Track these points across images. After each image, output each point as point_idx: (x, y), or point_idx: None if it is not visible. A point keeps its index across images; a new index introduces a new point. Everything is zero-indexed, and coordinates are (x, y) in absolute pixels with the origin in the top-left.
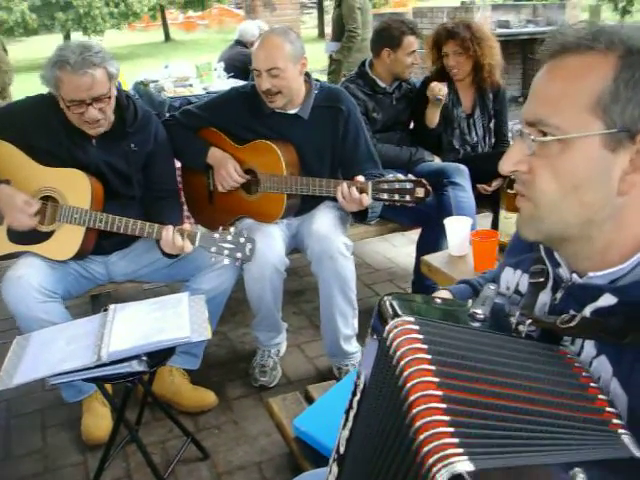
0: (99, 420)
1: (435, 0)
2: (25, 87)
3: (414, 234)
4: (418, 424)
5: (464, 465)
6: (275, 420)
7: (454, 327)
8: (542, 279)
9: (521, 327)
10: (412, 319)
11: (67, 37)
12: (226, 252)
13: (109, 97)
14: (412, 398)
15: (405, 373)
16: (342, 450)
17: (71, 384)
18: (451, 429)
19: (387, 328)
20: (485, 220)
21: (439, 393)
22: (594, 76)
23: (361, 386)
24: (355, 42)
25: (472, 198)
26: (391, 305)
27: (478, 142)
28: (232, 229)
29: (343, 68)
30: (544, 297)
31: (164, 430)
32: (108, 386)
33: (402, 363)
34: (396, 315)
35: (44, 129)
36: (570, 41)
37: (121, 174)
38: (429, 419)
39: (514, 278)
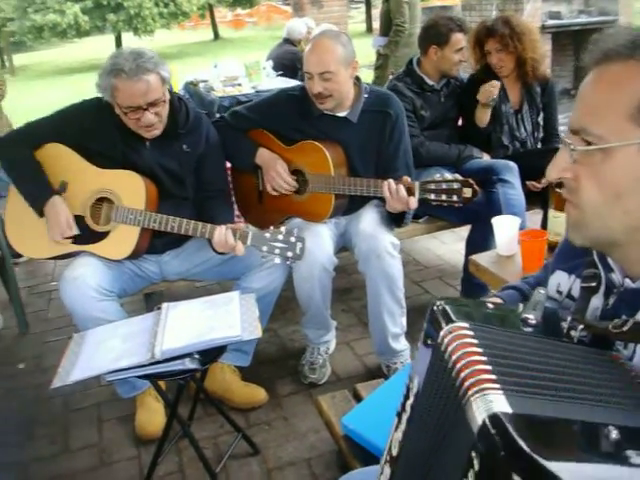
0: (152, 415)
1: None
2: (78, 88)
3: (464, 231)
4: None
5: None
6: (324, 418)
7: (508, 332)
8: (594, 283)
9: (573, 332)
10: (466, 324)
11: (118, 38)
12: (277, 251)
13: (164, 101)
14: (469, 393)
15: (462, 374)
16: (395, 452)
17: (126, 380)
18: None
19: (441, 334)
20: (536, 217)
21: (497, 386)
22: (633, 84)
23: (414, 390)
24: (402, 37)
25: (522, 195)
26: (444, 310)
27: (527, 137)
28: (283, 228)
29: (390, 63)
30: (596, 302)
31: (215, 426)
32: (161, 382)
33: (458, 366)
34: (450, 321)
35: (99, 132)
36: (611, 49)
37: (174, 175)
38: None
39: (568, 283)
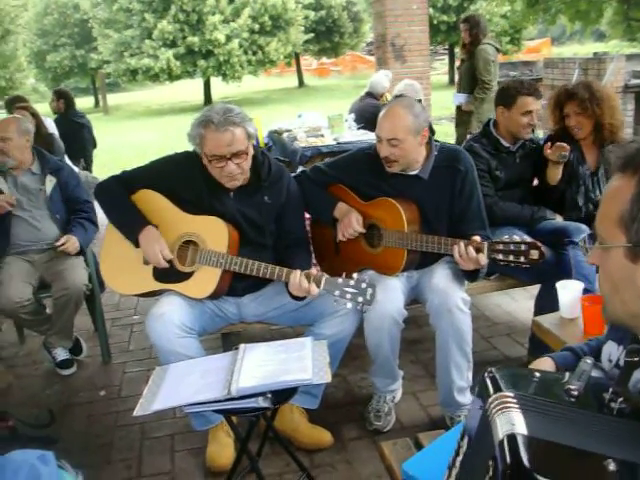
0: (223, 449)
1: (570, 48)
2: (167, 128)
3: (535, 289)
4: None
5: None
6: (385, 463)
7: (550, 403)
8: (637, 358)
9: (613, 404)
10: (512, 394)
11: (207, 82)
12: (348, 296)
13: (246, 153)
14: (494, 411)
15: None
16: None
17: (201, 414)
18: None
19: (489, 401)
20: None
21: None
22: (621, 196)
23: (464, 448)
24: (488, 94)
25: None
26: (494, 379)
27: None
28: (355, 275)
29: (474, 120)
30: (638, 375)
31: (282, 463)
32: (234, 418)
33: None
34: (498, 389)
35: (188, 182)
36: (618, 161)
37: (255, 224)
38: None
39: (617, 353)
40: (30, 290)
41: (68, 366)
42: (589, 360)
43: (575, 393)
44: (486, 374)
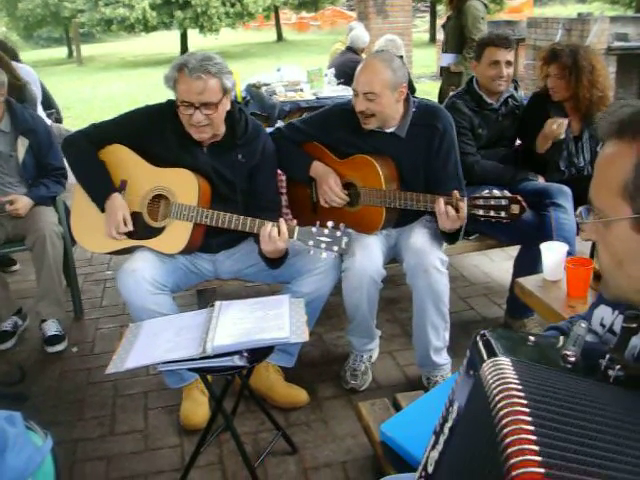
0: (197, 407)
1: (552, 9)
2: (142, 81)
3: (513, 250)
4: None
5: None
6: (363, 423)
7: (547, 370)
8: (635, 325)
9: (610, 372)
10: (508, 360)
11: (184, 34)
12: (323, 245)
13: (216, 106)
14: (507, 440)
15: (502, 419)
16: (430, 469)
17: (175, 372)
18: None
19: (484, 367)
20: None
21: (533, 437)
22: (621, 164)
23: (453, 414)
24: None
25: (574, 220)
26: (487, 342)
27: (585, 166)
28: (329, 223)
29: (463, 81)
30: (636, 341)
31: (256, 422)
32: (208, 376)
33: (499, 409)
34: (492, 354)
35: (159, 134)
36: (609, 126)
37: (227, 181)
38: (523, 470)
39: (611, 317)
40: None
41: (58, 342)
42: (584, 324)
43: (572, 359)
44: (478, 337)
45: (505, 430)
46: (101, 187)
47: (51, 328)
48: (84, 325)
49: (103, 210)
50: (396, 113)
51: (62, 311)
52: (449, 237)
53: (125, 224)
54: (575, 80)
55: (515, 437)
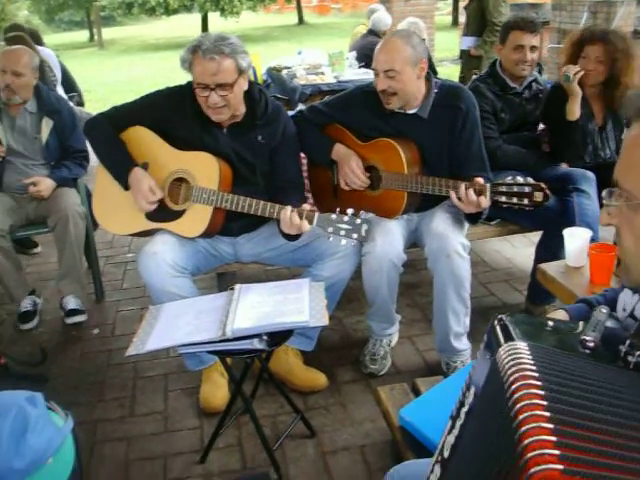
0: (217, 390)
1: None
2: (163, 64)
3: (535, 236)
4: (526, 455)
5: None
6: (382, 407)
7: (565, 355)
8: None
9: (630, 358)
10: (524, 345)
11: (205, 17)
12: (342, 232)
13: (232, 86)
14: (522, 430)
15: (516, 403)
16: (446, 454)
17: (195, 354)
18: (560, 466)
19: (500, 351)
20: (611, 227)
21: (549, 426)
22: None
23: (470, 399)
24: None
25: (597, 206)
26: (505, 326)
27: (612, 156)
28: (349, 210)
29: (483, 65)
30: None
31: (276, 405)
32: (228, 359)
33: (514, 393)
34: (509, 338)
35: (179, 117)
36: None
37: (247, 163)
38: (538, 451)
39: (632, 301)
40: (8, 222)
41: (75, 314)
42: (604, 309)
43: (591, 345)
44: (496, 321)
45: (520, 417)
46: (123, 163)
47: (71, 303)
48: (105, 307)
49: (126, 188)
50: (418, 91)
51: (83, 290)
52: (471, 217)
53: (154, 192)
54: (621, 63)
55: (531, 425)
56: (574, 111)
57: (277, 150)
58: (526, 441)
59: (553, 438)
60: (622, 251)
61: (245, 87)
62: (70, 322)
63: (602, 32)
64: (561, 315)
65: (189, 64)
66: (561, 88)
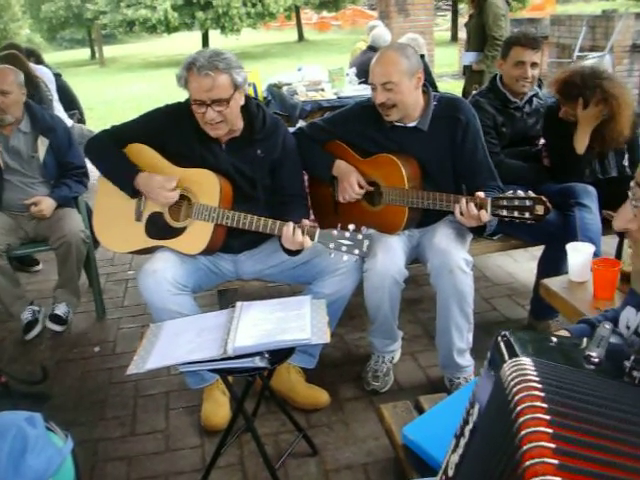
0: (218, 408)
1: (576, 6)
2: (164, 82)
3: (537, 250)
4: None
5: None
6: (385, 425)
7: (569, 370)
8: None
9: (635, 373)
10: (529, 361)
11: (205, 35)
12: (344, 248)
13: (228, 101)
14: (525, 448)
15: (520, 419)
16: (451, 473)
17: (196, 372)
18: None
19: (505, 367)
20: (613, 240)
21: (552, 446)
22: None
23: (474, 417)
24: (500, 51)
25: (599, 221)
26: (509, 344)
27: (612, 173)
28: (351, 226)
29: (485, 79)
30: None
31: (277, 423)
32: (229, 377)
33: (518, 408)
34: (513, 354)
35: (179, 133)
36: None
37: (247, 178)
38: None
39: (636, 319)
40: (5, 241)
41: (58, 322)
42: (607, 325)
43: (595, 360)
44: (499, 338)
45: (522, 432)
46: (127, 171)
47: (60, 308)
48: (106, 325)
49: (133, 195)
50: (416, 103)
51: (76, 301)
52: (476, 230)
53: (169, 181)
54: (607, 122)
55: (533, 444)
56: (581, 141)
57: (280, 164)
58: (527, 462)
59: (555, 461)
60: (635, 265)
61: (242, 102)
62: (52, 328)
63: (577, 86)
64: (564, 335)
65: (185, 81)
66: (554, 120)
